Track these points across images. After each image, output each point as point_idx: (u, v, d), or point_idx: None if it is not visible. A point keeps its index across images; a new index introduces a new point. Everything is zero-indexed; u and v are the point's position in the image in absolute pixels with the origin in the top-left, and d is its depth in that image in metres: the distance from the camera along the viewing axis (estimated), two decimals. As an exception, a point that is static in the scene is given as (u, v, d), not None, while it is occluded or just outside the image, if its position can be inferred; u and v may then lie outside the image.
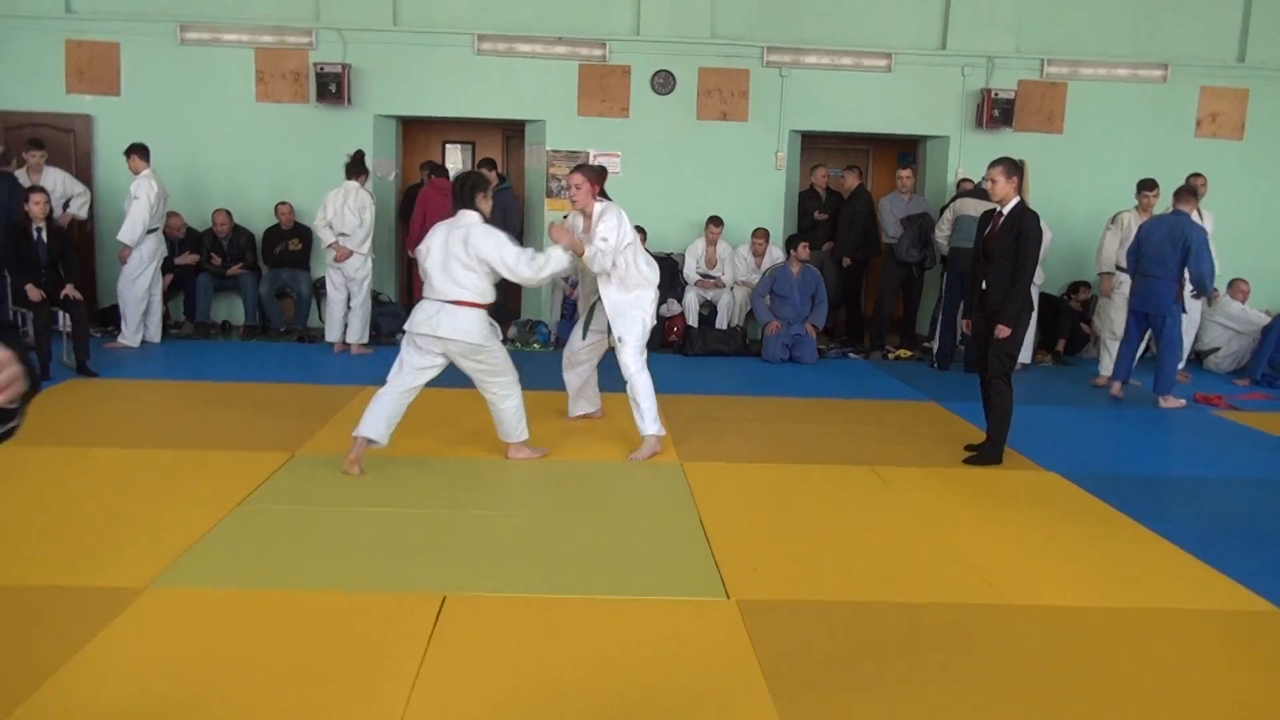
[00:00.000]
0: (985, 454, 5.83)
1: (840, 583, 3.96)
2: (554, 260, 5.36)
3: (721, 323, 9.69)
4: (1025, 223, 5.66)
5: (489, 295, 5.30)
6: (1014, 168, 5.73)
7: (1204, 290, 7.82)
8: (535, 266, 5.23)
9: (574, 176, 5.71)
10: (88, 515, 4.41)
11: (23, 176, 8.54)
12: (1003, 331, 5.66)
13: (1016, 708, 3.02)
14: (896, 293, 9.86)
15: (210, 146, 9.86)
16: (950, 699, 3.06)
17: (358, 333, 8.86)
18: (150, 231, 8.53)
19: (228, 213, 9.54)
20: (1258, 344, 9.06)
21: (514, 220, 9.83)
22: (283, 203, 9.64)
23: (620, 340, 5.75)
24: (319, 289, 9.85)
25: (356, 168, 8.75)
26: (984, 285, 5.84)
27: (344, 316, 8.87)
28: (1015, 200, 5.72)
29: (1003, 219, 5.73)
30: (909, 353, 9.70)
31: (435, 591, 3.67)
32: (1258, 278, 9.62)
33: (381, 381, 7.59)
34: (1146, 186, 8.48)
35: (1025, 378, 8.73)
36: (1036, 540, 4.56)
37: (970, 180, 9.16)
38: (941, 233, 9.04)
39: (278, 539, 4.23)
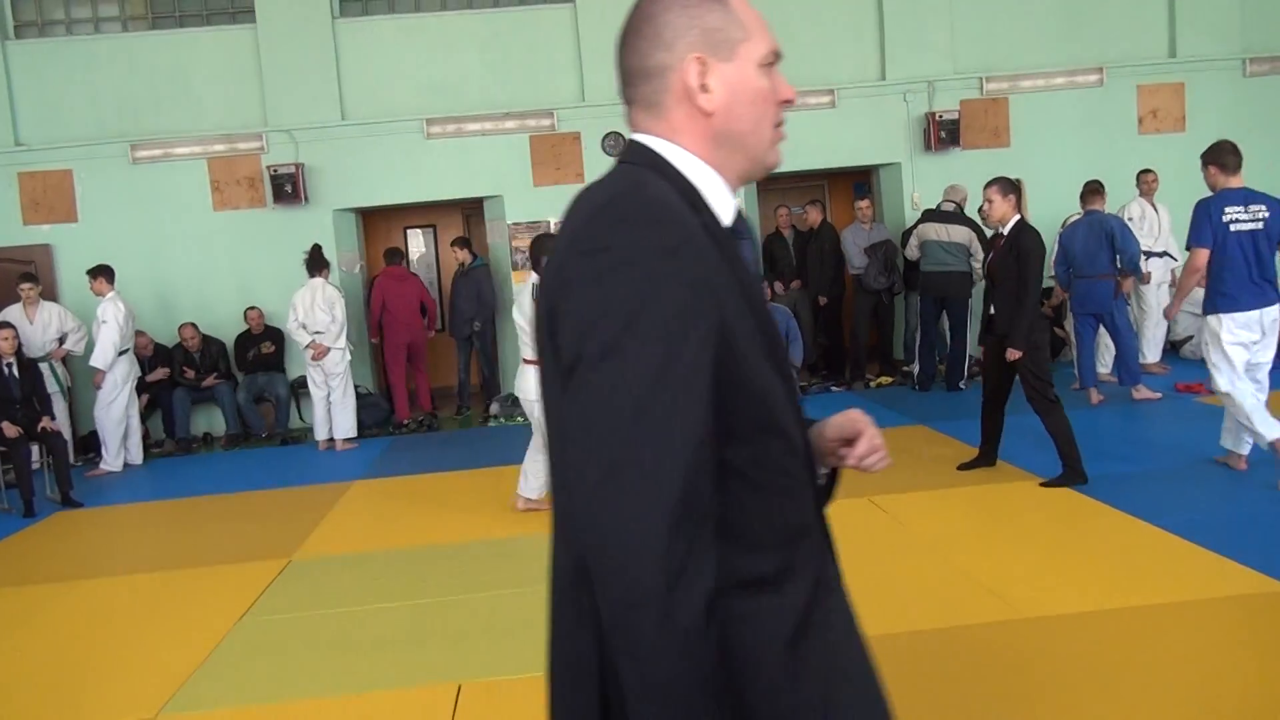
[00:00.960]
0: (1065, 476, 5.53)
1: (854, 619, 3.93)
2: None
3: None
4: (1023, 240, 5.49)
5: None
6: (1009, 186, 5.60)
7: (1135, 270, 7.97)
8: None
9: None
10: (89, 650, 4.33)
11: (16, 312, 8.46)
12: (1011, 354, 5.49)
13: (1047, 724, 3.00)
14: (869, 321, 9.92)
15: (173, 260, 9.87)
16: (980, 724, 3.03)
17: (344, 428, 8.85)
18: (121, 353, 8.48)
19: (194, 325, 9.49)
20: (1229, 327, 9.15)
21: (488, 297, 9.92)
22: (252, 308, 9.63)
23: None
24: (297, 390, 9.82)
25: (316, 263, 8.80)
26: (991, 310, 5.72)
27: (327, 413, 8.85)
28: (1015, 219, 5.59)
29: (1004, 240, 5.61)
30: (889, 379, 9.75)
31: (450, 681, 3.62)
32: (1219, 263, 9.74)
33: (369, 475, 7.58)
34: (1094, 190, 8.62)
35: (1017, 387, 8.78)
36: (1042, 549, 4.56)
37: (933, 209, 9.27)
38: (910, 254, 9.16)
39: (285, 649, 4.17)
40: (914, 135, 10.24)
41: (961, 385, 9.01)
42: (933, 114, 10.05)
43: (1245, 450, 5.55)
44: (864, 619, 4.03)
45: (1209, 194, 5.74)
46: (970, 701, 3.17)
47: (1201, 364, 9.08)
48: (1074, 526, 4.88)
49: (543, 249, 5.63)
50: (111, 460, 8.50)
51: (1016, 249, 5.49)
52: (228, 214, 9.89)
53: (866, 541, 4.92)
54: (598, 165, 10.06)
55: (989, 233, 9.06)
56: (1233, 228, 5.50)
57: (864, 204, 9.87)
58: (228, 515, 6.62)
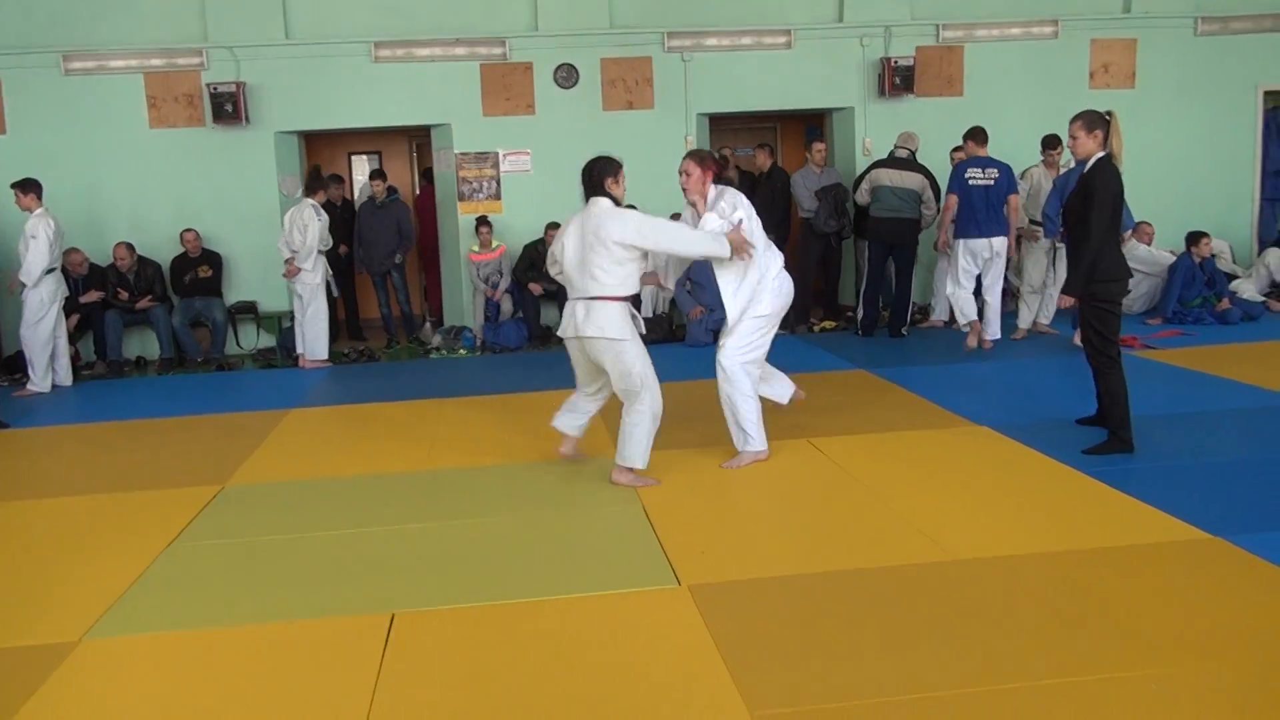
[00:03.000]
0: (1109, 444, 5.20)
1: (789, 557, 3.97)
2: (717, 239, 4.87)
3: (647, 311, 9.67)
4: (1095, 176, 5.06)
5: (630, 286, 4.85)
6: (1096, 120, 5.14)
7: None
8: (700, 238, 4.86)
9: (684, 163, 5.19)
10: (11, 572, 4.23)
11: None
12: (1063, 301, 5.27)
13: (972, 659, 3.05)
14: (817, 265, 9.93)
15: (106, 178, 9.55)
16: (908, 657, 3.08)
17: (310, 347, 8.94)
18: (48, 271, 8.20)
19: (129, 245, 9.23)
20: (1166, 283, 9.33)
21: (408, 229, 9.90)
22: (188, 230, 9.39)
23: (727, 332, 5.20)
24: (234, 315, 9.64)
25: (311, 183, 9.00)
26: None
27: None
28: (1098, 156, 5.13)
29: (1082, 177, 5.20)
30: (833, 323, 9.80)
31: (383, 611, 3.59)
32: (1159, 219, 9.89)
33: (306, 403, 7.47)
34: (1050, 144, 8.67)
35: (960, 335, 8.90)
36: (976, 494, 4.63)
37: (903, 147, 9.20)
38: (861, 199, 9.15)
39: (215, 575, 4.11)
40: (868, 80, 10.19)
41: (904, 332, 9.09)
42: (888, 59, 10.00)
43: (986, 335, 8.32)
44: (802, 557, 4.11)
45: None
46: (902, 637, 3.22)
47: (1138, 318, 9.33)
48: (1008, 473, 4.96)
49: (604, 170, 4.96)
50: (39, 381, 8.26)
51: (1085, 189, 5.09)
52: (164, 132, 9.57)
53: (806, 482, 4.97)
54: (549, 97, 9.89)
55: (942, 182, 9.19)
56: (970, 183, 8.19)
57: (820, 146, 9.81)
58: (160, 440, 6.49)
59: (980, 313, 8.41)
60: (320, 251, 8.84)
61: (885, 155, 9.18)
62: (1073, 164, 7.96)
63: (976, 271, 8.29)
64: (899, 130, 9.40)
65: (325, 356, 8.99)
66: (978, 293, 8.40)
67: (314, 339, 8.93)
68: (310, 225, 8.70)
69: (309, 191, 8.94)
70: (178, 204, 9.62)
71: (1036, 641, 3.17)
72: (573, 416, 5.35)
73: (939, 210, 9.14)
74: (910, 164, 8.94)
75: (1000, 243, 8.24)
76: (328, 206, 9.61)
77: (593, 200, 4.92)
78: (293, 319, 9.47)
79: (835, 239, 9.81)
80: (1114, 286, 5.12)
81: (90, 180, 9.50)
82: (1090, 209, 5.03)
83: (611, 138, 9.92)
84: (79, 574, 4.14)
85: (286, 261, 8.79)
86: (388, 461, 5.65)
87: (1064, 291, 5.26)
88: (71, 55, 9.35)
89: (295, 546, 4.37)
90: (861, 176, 9.29)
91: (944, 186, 9.24)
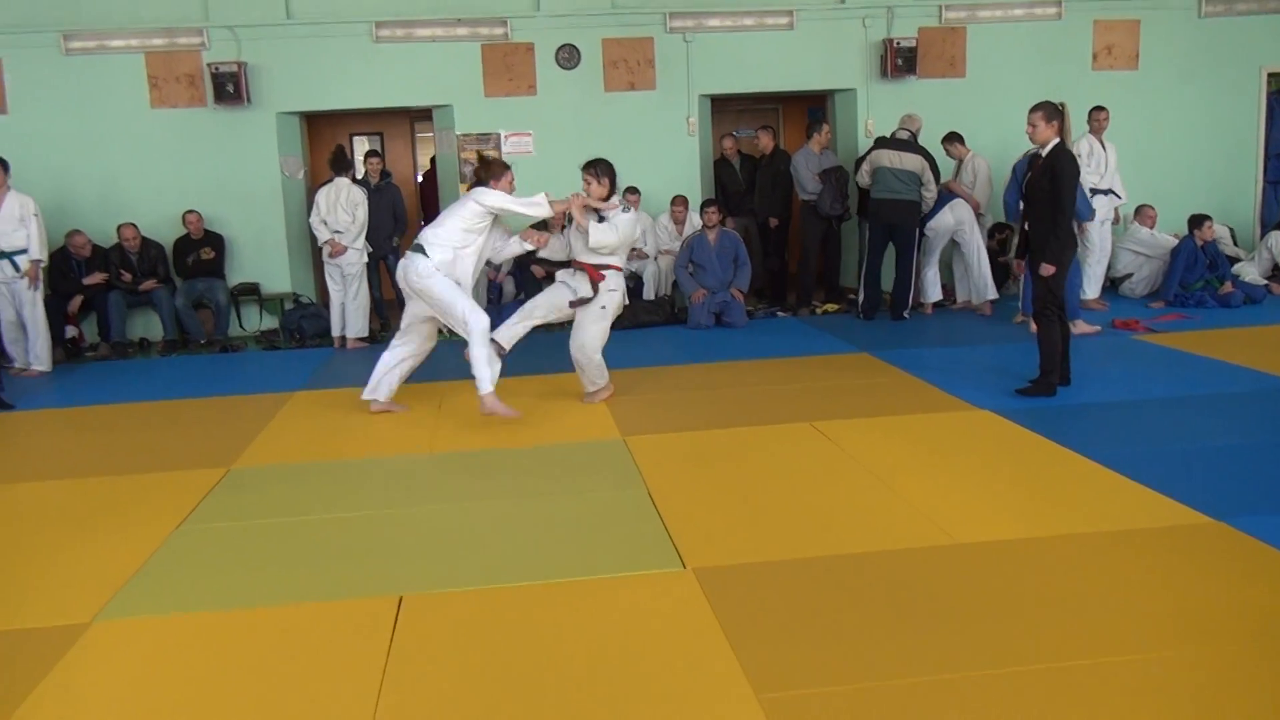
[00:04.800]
0: (1036, 386, 6.07)
1: (793, 541, 4.00)
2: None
3: (649, 293, 9.68)
4: (1060, 162, 5.85)
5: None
6: (1054, 111, 5.93)
7: (1081, 217, 8.17)
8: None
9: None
10: (20, 554, 4.26)
11: None
12: (1046, 269, 5.92)
13: (976, 642, 3.09)
14: (819, 247, 9.92)
15: (107, 159, 9.52)
16: (912, 640, 3.11)
17: (355, 328, 9.01)
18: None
19: (135, 226, 9.22)
20: (1168, 266, 9.33)
21: (402, 213, 9.92)
22: (190, 211, 9.37)
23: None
24: (237, 297, 9.64)
25: (339, 163, 8.92)
26: (1026, 227, 6.18)
27: (341, 313, 9.02)
28: (1054, 142, 5.93)
29: (1041, 161, 5.97)
30: (835, 306, 9.81)
31: (391, 594, 3.63)
32: (1161, 202, 9.88)
33: (311, 386, 7.47)
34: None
35: (959, 317, 8.92)
36: (978, 478, 4.66)
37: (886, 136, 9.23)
38: (862, 180, 9.15)
39: (222, 558, 4.14)
40: (871, 62, 10.15)
41: (905, 315, 9.10)
42: (890, 40, 9.97)
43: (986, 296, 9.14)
44: (806, 540, 4.13)
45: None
46: (906, 620, 3.26)
47: (1140, 301, 9.35)
48: (1011, 457, 4.99)
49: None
50: (43, 360, 8.27)
51: (1052, 171, 5.85)
52: (166, 112, 9.54)
53: (809, 465, 4.99)
54: (551, 78, 9.86)
55: (956, 162, 9.28)
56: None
57: (826, 128, 9.76)
58: (165, 422, 6.51)
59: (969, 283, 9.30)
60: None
61: (886, 135, 9.17)
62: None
63: (938, 249, 9.29)
64: (901, 112, 9.38)
65: (367, 334, 9.09)
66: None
67: (354, 318, 8.99)
68: (361, 205, 8.79)
69: (340, 171, 8.87)
70: (179, 185, 9.60)
71: (1039, 625, 3.21)
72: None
73: (939, 192, 9.16)
74: (911, 145, 8.93)
75: (956, 208, 9.08)
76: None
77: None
78: (296, 300, 9.54)
79: (837, 222, 9.80)
80: (1066, 254, 6.04)
81: (91, 161, 9.47)
82: (1061, 189, 5.82)
83: (613, 119, 9.92)
84: (88, 556, 4.17)
85: (328, 241, 8.77)
86: (393, 444, 5.67)
87: (1044, 262, 5.94)
88: (72, 35, 9.32)
89: (303, 529, 4.40)
90: (862, 158, 9.28)
91: (943, 170, 9.29)
